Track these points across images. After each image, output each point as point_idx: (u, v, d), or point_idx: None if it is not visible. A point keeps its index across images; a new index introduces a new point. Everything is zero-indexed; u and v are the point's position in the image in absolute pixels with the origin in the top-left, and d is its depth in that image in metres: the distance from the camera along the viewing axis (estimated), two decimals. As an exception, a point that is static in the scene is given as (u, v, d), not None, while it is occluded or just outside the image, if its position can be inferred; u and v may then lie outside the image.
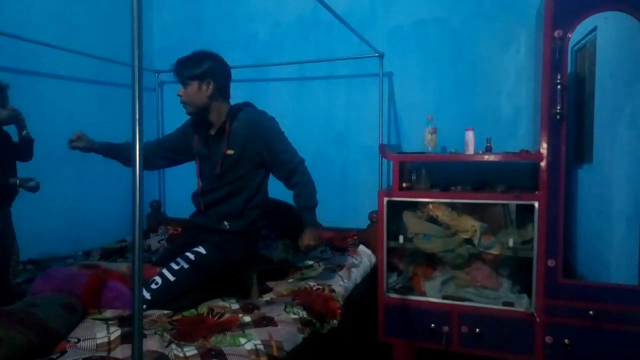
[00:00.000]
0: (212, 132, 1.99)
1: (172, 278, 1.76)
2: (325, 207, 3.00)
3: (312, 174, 3.13)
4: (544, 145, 2.12)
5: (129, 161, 2.05)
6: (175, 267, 1.80)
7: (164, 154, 2.15)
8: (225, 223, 1.94)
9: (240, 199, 1.95)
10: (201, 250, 1.88)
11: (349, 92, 2.98)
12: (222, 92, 1.96)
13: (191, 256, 1.84)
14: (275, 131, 1.98)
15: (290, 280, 2.18)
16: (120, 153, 2.06)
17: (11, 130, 1.86)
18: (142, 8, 0.87)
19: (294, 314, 1.69)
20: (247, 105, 2.04)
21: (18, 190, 1.80)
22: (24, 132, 1.84)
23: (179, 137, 2.14)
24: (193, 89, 1.89)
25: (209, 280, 1.85)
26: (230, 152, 1.92)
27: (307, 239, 1.96)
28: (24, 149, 1.86)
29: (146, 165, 2.19)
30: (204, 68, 1.88)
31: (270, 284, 2.12)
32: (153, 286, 1.73)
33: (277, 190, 3.04)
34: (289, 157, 1.96)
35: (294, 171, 1.96)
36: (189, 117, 2.04)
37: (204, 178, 2.04)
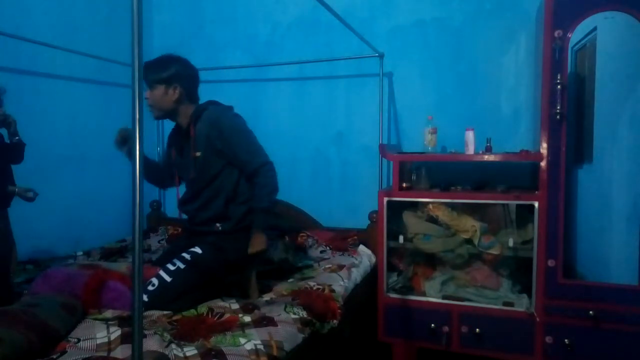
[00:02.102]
0: (182, 136, 1.98)
1: (168, 279, 1.75)
2: (325, 207, 3.03)
3: (312, 174, 3.14)
4: (544, 145, 2.12)
5: (149, 179, 2.12)
6: (172, 267, 1.79)
7: (168, 172, 2.15)
8: (217, 225, 1.94)
9: (221, 200, 1.93)
10: (197, 250, 1.87)
11: (349, 92, 2.98)
12: (190, 95, 1.93)
13: (187, 256, 1.84)
14: (236, 129, 1.93)
15: (290, 280, 2.18)
16: (151, 170, 2.11)
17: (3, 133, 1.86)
18: (142, 8, 0.87)
19: (294, 314, 1.69)
20: (211, 103, 2.00)
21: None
22: (16, 138, 1.83)
23: (166, 153, 2.15)
24: (159, 92, 1.87)
25: (206, 279, 1.85)
26: (198, 154, 1.91)
27: (251, 247, 1.91)
28: (15, 152, 1.84)
29: (161, 184, 2.24)
30: (170, 72, 1.86)
31: (270, 284, 2.11)
32: (150, 288, 1.72)
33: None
34: (250, 157, 1.90)
35: (255, 172, 1.91)
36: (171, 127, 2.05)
37: (185, 185, 2.05)
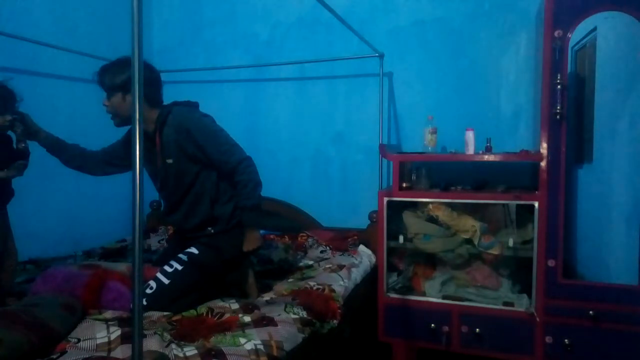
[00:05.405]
0: (147, 141, 1.85)
1: (166, 281, 1.75)
2: (326, 207, 3.03)
3: (312, 174, 3.13)
4: (544, 145, 2.12)
5: (69, 162, 2.00)
6: (169, 269, 1.79)
7: (109, 159, 2.07)
8: (209, 229, 1.92)
9: (205, 205, 1.90)
10: (193, 250, 1.87)
11: (349, 92, 2.98)
12: (150, 101, 1.81)
13: (184, 257, 1.83)
14: (206, 131, 1.84)
15: (290, 280, 2.18)
16: (64, 151, 1.97)
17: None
18: (142, 8, 0.87)
19: (294, 314, 1.69)
20: (175, 104, 1.91)
21: (14, 192, 1.79)
22: (21, 144, 1.80)
23: (122, 148, 2.04)
24: (117, 99, 1.77)
25: (204, 279, 1.84)
26: (169, 161, 1.85)
27: (246, 244, 1.89)
28: (18, 159, 1.81)
29: (91, 170, 2.09)
30: (125, 78, 1.72)
31: (270, 283, 2.12)
32: (148, 291, 1.72)
33: (277, 190, 3.04)
34: (225, 157, 1.84)
35: (233, 171, 1.85)
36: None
37: (158, 192, 2.00)
